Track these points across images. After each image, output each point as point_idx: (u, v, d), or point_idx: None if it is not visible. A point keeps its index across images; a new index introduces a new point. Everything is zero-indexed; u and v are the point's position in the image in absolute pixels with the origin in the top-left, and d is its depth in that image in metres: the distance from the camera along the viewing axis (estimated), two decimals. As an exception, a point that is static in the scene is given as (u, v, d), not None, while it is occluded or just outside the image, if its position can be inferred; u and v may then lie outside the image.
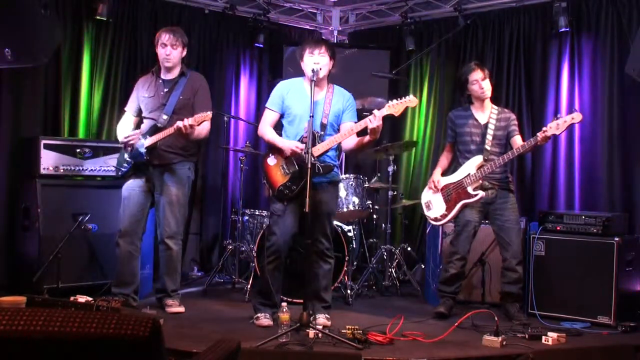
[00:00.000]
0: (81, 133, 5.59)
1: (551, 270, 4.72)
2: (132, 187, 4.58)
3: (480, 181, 4.56)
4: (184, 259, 6.30)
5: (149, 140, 4.47)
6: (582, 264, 4.61)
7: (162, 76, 4.65)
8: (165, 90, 4.60)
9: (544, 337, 3.94)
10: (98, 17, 5.56)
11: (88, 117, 5.67)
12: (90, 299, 3.96)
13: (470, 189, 4.57)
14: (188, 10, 6.34)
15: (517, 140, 4.61)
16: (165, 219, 4.56)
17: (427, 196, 4.85)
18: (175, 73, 4.65)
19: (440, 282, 4.81)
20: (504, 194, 4.62)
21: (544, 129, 4.24)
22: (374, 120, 3.90)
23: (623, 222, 4.91)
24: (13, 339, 1.44)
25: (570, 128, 5.56)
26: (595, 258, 4.56)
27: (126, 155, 4.60)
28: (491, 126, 4.62)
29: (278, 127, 4.40)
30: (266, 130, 4.30)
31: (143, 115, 4.67)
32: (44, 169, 4.84)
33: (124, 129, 4.68)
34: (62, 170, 4.94)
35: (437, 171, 4.84)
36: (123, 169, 4.59)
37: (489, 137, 4.60)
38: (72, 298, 3.97)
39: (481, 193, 4.55)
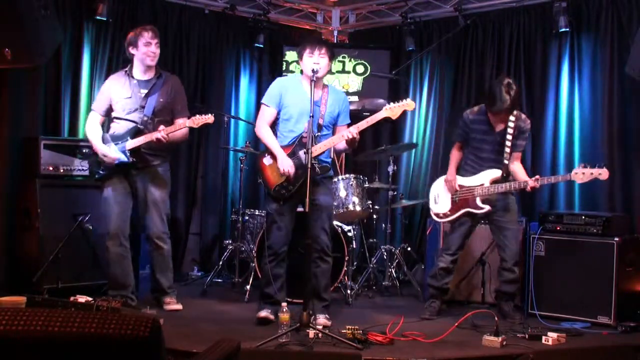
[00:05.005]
0: (81, 133, 5.58)
1: (551, 270, 4.72)
2: (114, 188, 4.51)
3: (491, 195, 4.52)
4: (184, 259, 6.33)
5: (132, 143, 4.43)
6: (582, 264, 4.61)
7: (137, 77, 4.58)
8: (143, 91, 4.54)
9: (544, 337, 3.94)
10: (98, 17, 5.55)
11: (88, 117, 5.65)
12: (90, 299, 3.95)
13: (478, 200, 4.52)
14: (188, 10, 6.33)
15: (518, 169, 4.52)
16: (152, 220, 4.58)
17: (438, 189, 4.79)
18: (151, 74, 4.59)
19: (429, 275, 4.83)
20: (505, 196, 4.58)
21: (537, 177, 4.29)
22: (354, 133, 4.02)
23: (623, 222, 4.90)
24: (13, 339, 1.44)
25: (570, 127, 5.64)
26: (595, 258, 4.55)
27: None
28: (508, 137, 4.46)
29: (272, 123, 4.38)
30: (265, 131, 4.31)
31: (116, 115, 4.58)
32: (44, 169, 4.84)
33: (95, 133, 4.58)
34: (62, 170, 4.94)
35: (453, 170, 4.70)
36: (102, 172, 4.53)
37: (507, 150, 4.47)
38: (72, 298, 3.96)
39: (487, 208, 4.51)
